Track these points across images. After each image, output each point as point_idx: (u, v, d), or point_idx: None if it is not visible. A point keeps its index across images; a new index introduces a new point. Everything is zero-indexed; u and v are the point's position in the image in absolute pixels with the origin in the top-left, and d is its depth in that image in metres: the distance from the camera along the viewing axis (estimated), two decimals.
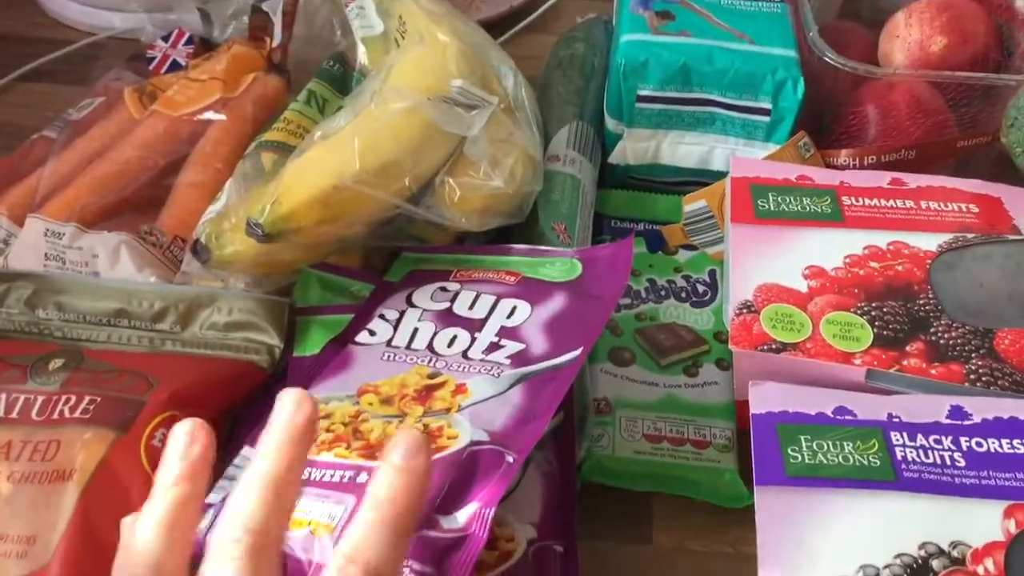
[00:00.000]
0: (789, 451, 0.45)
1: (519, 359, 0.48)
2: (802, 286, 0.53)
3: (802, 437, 0.46)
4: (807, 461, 0.45)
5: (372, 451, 0.43)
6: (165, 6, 0.78)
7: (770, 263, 0.54)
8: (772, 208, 0.58)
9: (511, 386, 0.46)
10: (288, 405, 0.36)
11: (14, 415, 0.49)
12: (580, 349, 0.47)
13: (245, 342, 0.54)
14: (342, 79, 0.63)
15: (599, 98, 0.72)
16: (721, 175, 0.67)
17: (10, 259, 0.57)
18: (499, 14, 0.86)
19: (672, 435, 0.54)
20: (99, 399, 0.49)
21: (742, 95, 0.65)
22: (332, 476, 0.42)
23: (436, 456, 0.42)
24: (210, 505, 0.44)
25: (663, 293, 0.63)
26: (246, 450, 0.47)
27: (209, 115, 0.63)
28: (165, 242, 0.58)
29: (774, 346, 0.50)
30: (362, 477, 0.42)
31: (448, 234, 0.59)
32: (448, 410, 0.45)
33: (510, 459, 0.42)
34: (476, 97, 0.57)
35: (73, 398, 0.49)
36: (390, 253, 0.59)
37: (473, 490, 0.41)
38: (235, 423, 0.54)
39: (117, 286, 0.55)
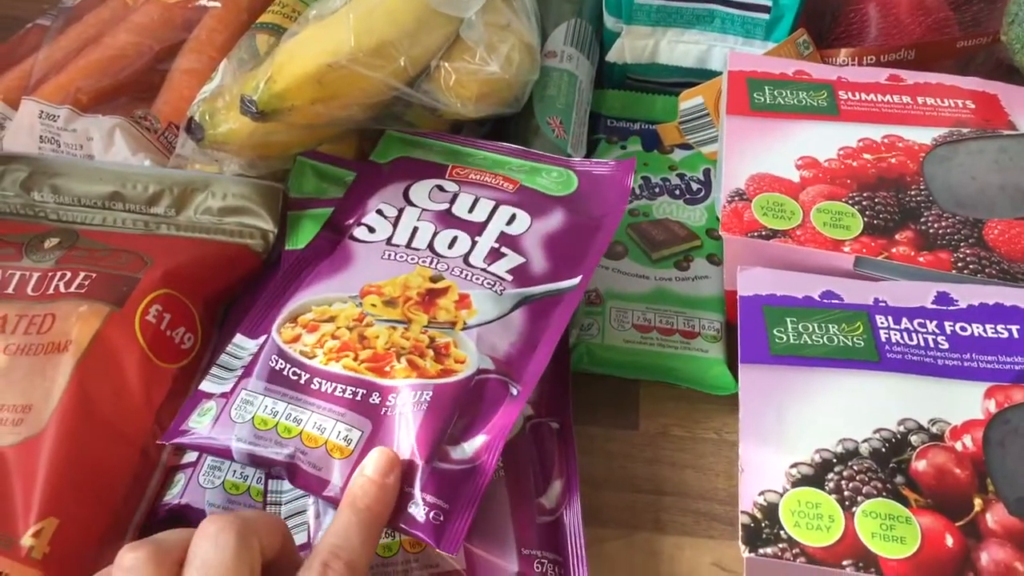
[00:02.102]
0: (775, 331, 0.45)
1: (520, 276, 0.48)
2: (794, 176, 0.53)
3: (788, 319, 0.46)
4: (792, 341, 0.45)
5: (380, 364, 0.44)
6: None
7: (763, 154, 0.54)
8: (768, 101, 0.57)
9: (513, 308, 0.47)
10: (382, 465, 0.40)
11: (9, 290, 0.49)
12: (579, 277, 0.48)
13: (239, 226, 0.54)
14: None
15: None
16: (718, 75, 0.67)
17: (4, 141, 0.57)
18: None
19: (661, 325, 0.55)
20: (94, 275, 0.49)
21: None
22: (344, 392, 0.43)
23: (445, 380, 0.43)
24: (208, 395, 0.45)
25: (657, 190, 0.63)
26: (239, 338, 0.47)
27: (203, 2, 0.62)
28: (159, 127, 0.58)
29: (764, 233, 0.50)
30: (374, 398, 0.43)
31: (444, 122, 0.59)
32: (453, 324, 0.46)
33: (515, 391, 0.43)
34: None
35: (68, 274, 0.49)
36: None
37: (480, 421, 0.43)
38: (229, 307, 0.54)
39: (112, 169, 0.55)
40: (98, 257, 0.51)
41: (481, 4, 0.54)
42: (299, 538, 0.43)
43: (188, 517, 0.46)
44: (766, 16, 0.65)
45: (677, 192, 0.63)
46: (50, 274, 0.50)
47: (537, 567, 0.43)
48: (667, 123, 0.66)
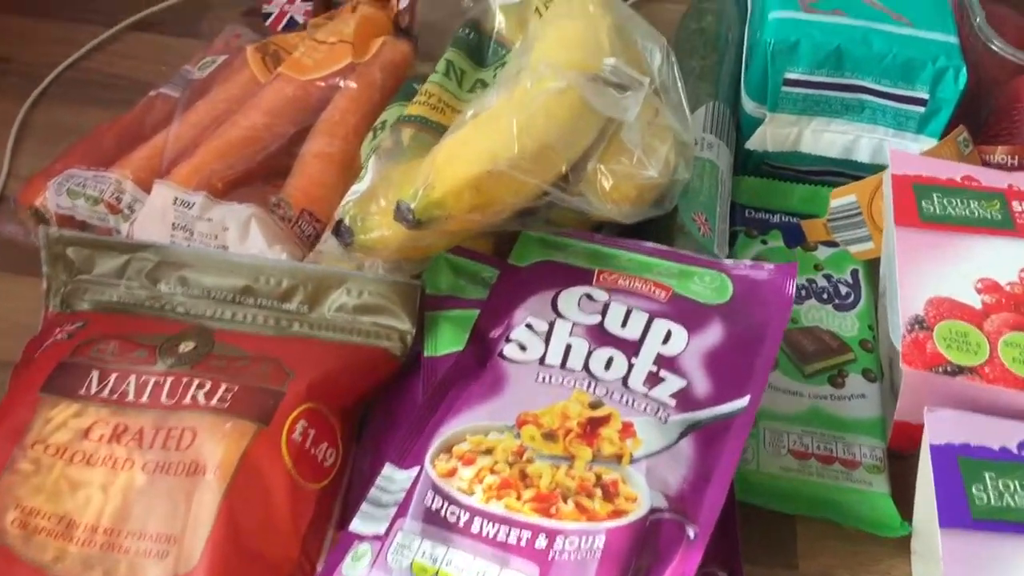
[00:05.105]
0: (974, 490, 0.42)
1: (684, 401, 0.46)
2: (976, 301, 0.50)
3: (986, 474, 0.43)
4: (993, 503, 0.42)
5: (545, 505, 0.41)
6: None
7: (940, 274, 0.51)
8: (938, 211, 0.54)
9: (680, 436, 0.44)
10: None
11: (144, 399, 0.47)
12: (748, 398, 0.45)
13: (375, 327, 0.51)
14: (477, 48, 0.60)
15: (733, 75, 0.68)
16: (864, 167, 0.64)
17: (136, 227, 0.55)
18: None
19: (820, 452, 0.51)
20: (236, 388, 0.47)
21: (897, 83, 0.61)
22: (508, 535, 0.41)
23: (616, 523, 0.41)
24: (360, 537, 0.42)
25: (803, 293, 0.60)
26: (388, 469, 0.45)
27: (338, 81, 0.60)
28: (293, 215, 0.56)
29: (949, 368, 0.47)
30: (541, 541, 0.40)
31: (585, 220, 0.56)
32: (619, 458, 0.43)
33: (691, 533, 0.40)
34: (628, 77, 0.53)
35: (208, 384, 0.47)
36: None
37: (657, 569, 0.40)
38: (366, 412, 0.52)
39: (243, 261, 0.53)
40: (237, 366, 0.49)
41: (640, 104, 0.51)
42: None
43: None
44: (921, 109, 0.61)
45: (825, 296, 0.60)
46: (185, 380, 0.47)
47: None
48: (813, 219, 0.63)
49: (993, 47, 0.59)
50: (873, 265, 0.61)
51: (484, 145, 0.48)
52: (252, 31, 0.68)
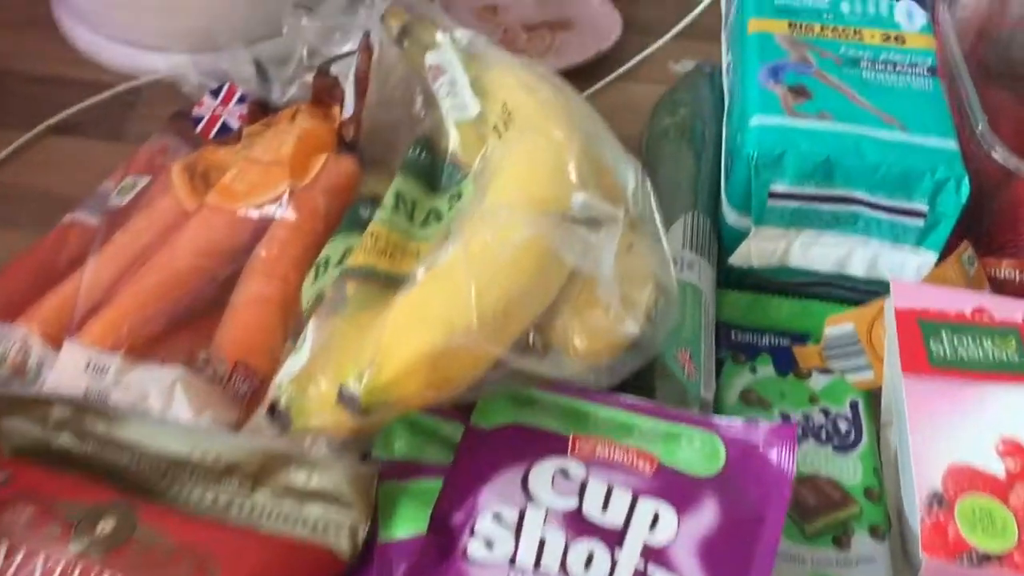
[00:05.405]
0: None
1: None
2: (998, 469, 0.44)
3: None
4: None
5: None
6: (212, 45, 0.68)
7: (957, 434, 0.45)
8: (948, 354, 0.48)
9: None
10: None
11: None
12: None
13: (324, 519, 0.45)
14: (430, 171, 0.53)
15: (712, 179, 0.62)
16: (859, 281, 0.58)
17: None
18: (584, 60, 0.76)
19: None
20: None
21: (894, 195, 0.56)
22: None
23: None
24: None
25: (800, 432, 0.54)
26: None
27: (275, 209, 0.53)
28: (225, 372, 0.49)
29: (975, 557, 0.41)
30: None
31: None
32: None
33: None
34: (601, 211, 0.47)
35: None
36: None
37: None
38: None
39: (180, 429, 0.47)
40: (157, 561, 0.42)
41: (615, 250, 0.45)
42: None
43: None
44: (920, 221, 0.56)
45: (823, 435, 0.54)
46: (94, 572, 0.41)
47: None
48: (806, 347, 0.57)
49: (995, 156, 0.54)
50: (874, 394, 0.55)
51: (438, 313, 0.42)
52: (180, 140, 0.62)
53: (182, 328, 0.51)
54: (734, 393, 0.56)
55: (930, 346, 0.49)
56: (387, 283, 0.46)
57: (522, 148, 0.49)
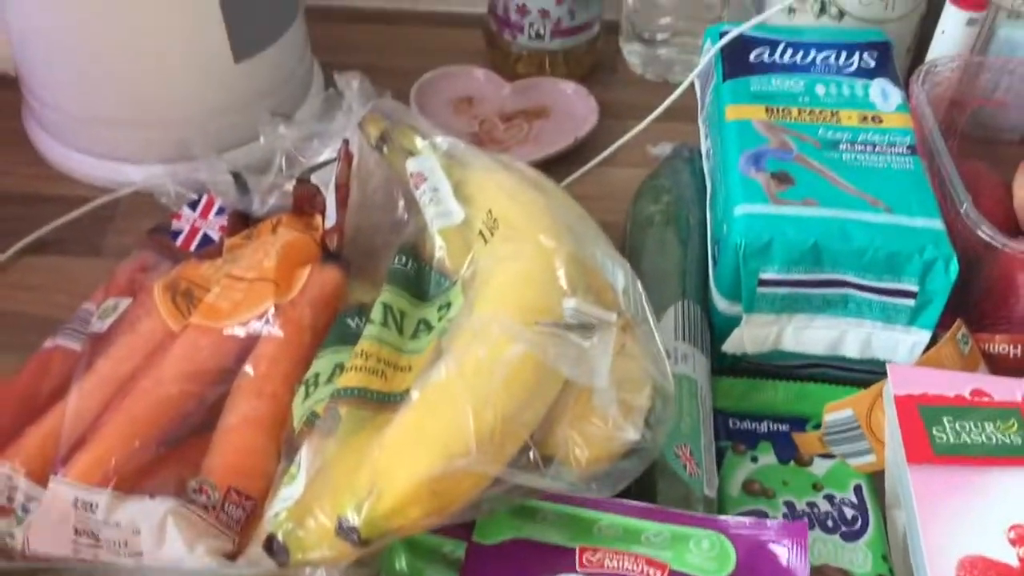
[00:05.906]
0: None
1: None
2: (1011, 557, 0.43)
3: None
4: None
5: None
6: (188, 155, 0.68)
7: (967, 524, 0.45)
8: (952, 440, 0.48)
9: None
10: None
11: None
12: None
13: None
14: (417, 279, 0.53)
15: (700, 264, 0.62)
16: (854, 361, 0.58)
17: (31, 534, 0.46)
18: (563, 148, 0.76)
19: None
20: None
21: (883, 276, 0.55)
22: None
23: None
24: None
25: (806, 522, 0.53)
26: None
27: (261, 326, 0.52)
28: (217, 499, 0.48)
29: None
30: None
31: None
32: None
33: None
34: (593, 316, 0.47)
35: None
36: None
37: None
38: None
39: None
40: None
41: (611, 356, 0.45)
42: None
43: None
44: (911, 302, 0.56)
45: (830, 523, 0.53)
46: None
47: None
48: (807, 433, 0.57)
49: (981, 234, 0.54)
50: (877, 475, 0.54)
51: (435, 438, 0.41)
52: (160, 255, 0.61)
53: (171, 454, 0.49)
54: (736, 484, 0.55)
55: (933, 434, 0.48)
56: (380, 404, 0.45)
57: (510, 257, 0.48)
